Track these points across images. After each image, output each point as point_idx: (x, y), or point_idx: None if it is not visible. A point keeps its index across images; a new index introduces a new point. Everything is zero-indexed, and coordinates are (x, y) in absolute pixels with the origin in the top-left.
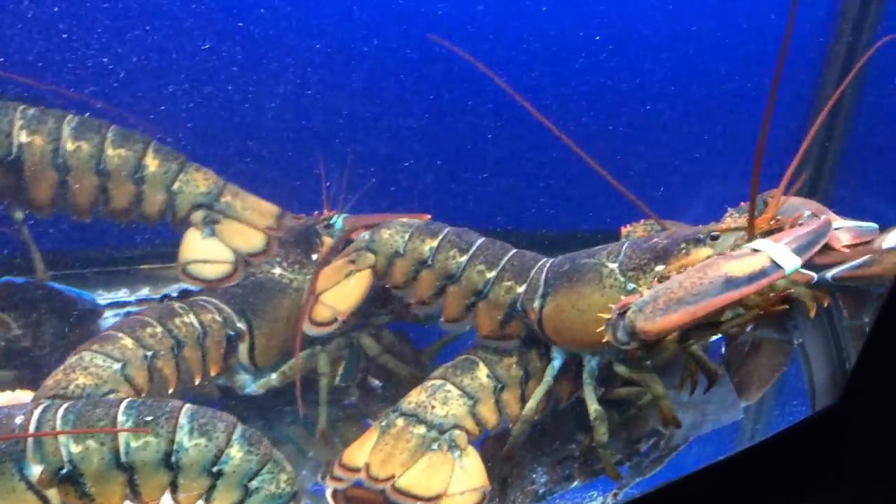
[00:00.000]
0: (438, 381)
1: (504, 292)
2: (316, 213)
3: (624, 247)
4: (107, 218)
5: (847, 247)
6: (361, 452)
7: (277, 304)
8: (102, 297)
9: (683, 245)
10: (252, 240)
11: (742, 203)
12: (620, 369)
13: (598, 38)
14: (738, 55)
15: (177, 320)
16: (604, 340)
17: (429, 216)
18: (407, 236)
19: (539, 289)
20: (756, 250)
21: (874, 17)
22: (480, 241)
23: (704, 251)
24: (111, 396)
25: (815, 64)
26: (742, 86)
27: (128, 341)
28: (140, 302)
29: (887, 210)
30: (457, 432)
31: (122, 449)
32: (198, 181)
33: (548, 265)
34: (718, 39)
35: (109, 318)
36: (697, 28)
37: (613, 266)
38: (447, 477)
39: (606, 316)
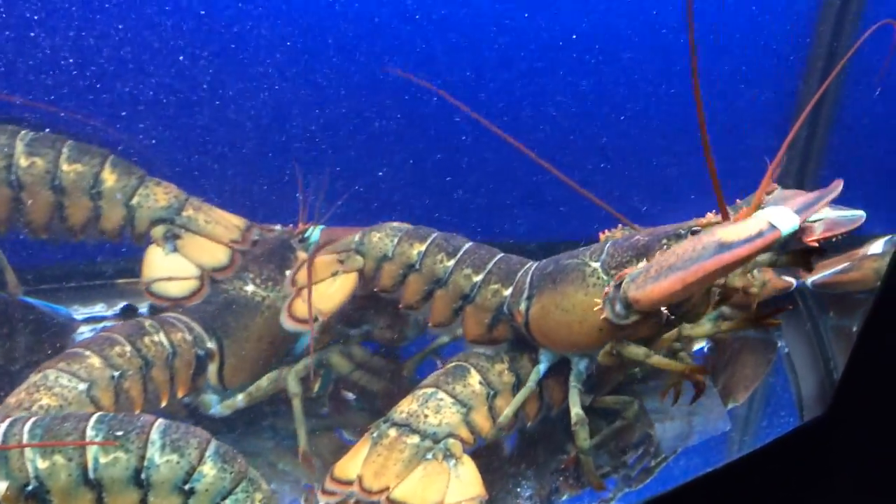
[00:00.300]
0: (430, 390)
1: (491, 295)
2: (290, 225)
3: (606, 246)
4: (63, 235)
5: (816, 240)
6: (353, 464)
7: (249, 323)
8: (79, 312)
9: (665, 241)
10: (216, 254)
11: (738, 200)
12: (574, 382)
13: (575, 37)
14: (719, 49)
15: (146, 339)
16: (602, 317)
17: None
18: (396, 240)
19: (524, 291)
20: (754, 218)
21: (857, 6)
22: (468, 245)
23: None
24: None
25: (799, 56)
26: (724, 82)
27: (95, 360)
28: (116, 317)
29: (871, 206)
30: (451, 441)
31: (90, 465)
32: (157, 195)
33: (533, 268)
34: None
35: (85, 332)
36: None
37: (596, 265)
38: (443, 487)
39: (598, 301)
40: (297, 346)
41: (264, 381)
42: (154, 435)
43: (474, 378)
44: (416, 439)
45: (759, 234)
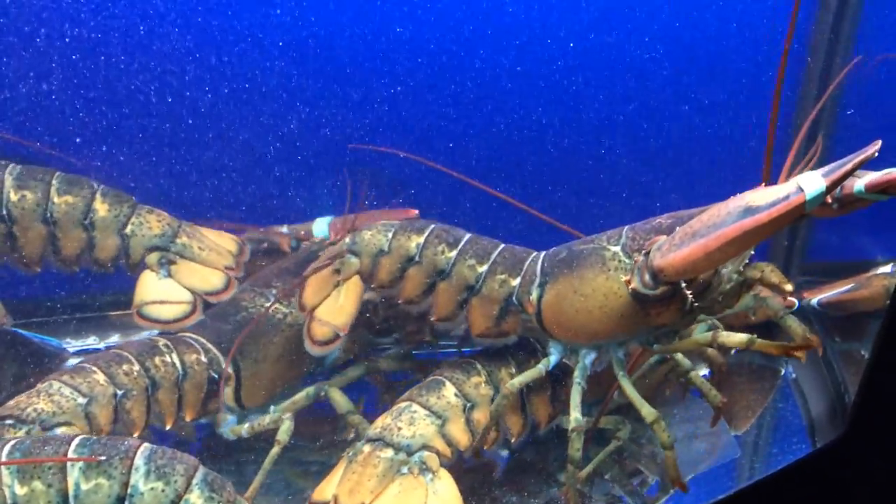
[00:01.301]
0: (404, 403)
1: (498, 286)
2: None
3: (624, 231)
4: (58, 267)
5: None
6: (330, 486)
7: (268, 342)
8: (71, 345)
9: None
10: (210, 279)
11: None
12: (619, 371)
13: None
14: (727, 53)
15: (157, 359)
16: (630, 287)
17: (416, 211)
18: (391, 234)
19: (536, 279)
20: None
21: (854, 11)
22: (468, 235)
23: None
24: (60, 430)
25: (798, 61)
26: (732, 85)
27: (100, 376)
28: (109, 349)
29: (870, 218)
30: (426, 454)
31: (71, 492)
32: (151, 223)
33: (542, 255)
34: (710, 38)
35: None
36: (691, 27)
37: (616, 248)
38: (420, 502)
39: (620, 284)
40: (328, 358)
41: (302, 397)
42: (139, 460)
43: (449, 390)
44: (389, 453)
45: (786, 198)
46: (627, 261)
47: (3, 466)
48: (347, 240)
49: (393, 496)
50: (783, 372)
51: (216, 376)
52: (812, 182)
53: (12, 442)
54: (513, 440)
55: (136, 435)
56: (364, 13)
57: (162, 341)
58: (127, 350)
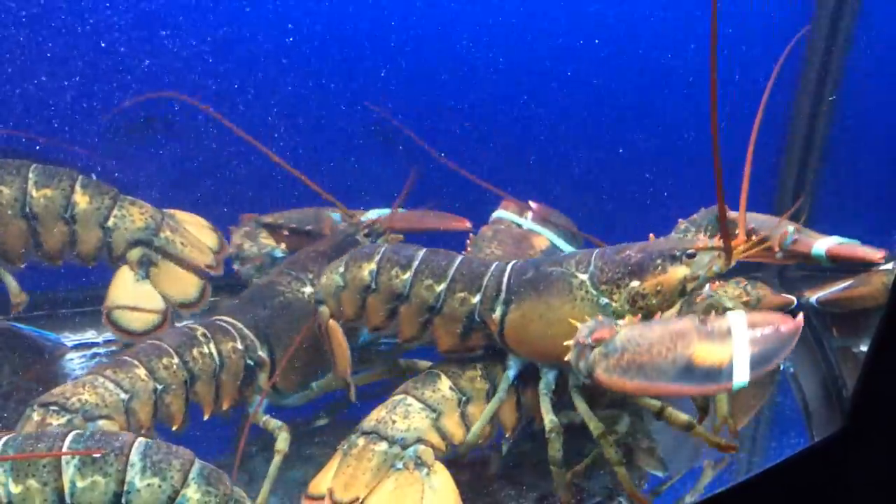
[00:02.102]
0: (399, 396)
1: (458, 304)
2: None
3: (593, 257)
4: (41, 261)
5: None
6: (325, 479)
7: (303, 328)
8: (69, 339)
9: (659, 262)
10: (187, 288)
11: (695, 215)
12: (577, 400)
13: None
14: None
15: (195, 351)
16: (565, 359)
17: (468, 223)
18: (342, 268)
19: (500, 295)
20: (728, 334)
21: (850, 15)
22: (422, 253)
23: (681, 269)
24: (100, 423)
25: (793, 66)
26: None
27: (141, 371)
28: (108, 343)
29: (870, 217)
30: (421, 447)
31: (66, 489)
32: (134, 216)
33: (507, 270)
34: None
35: (75, 359)
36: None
37: (584, 277)
38: (417, 498)
39: (576, 324)
40: (359, 339)
41: (330, 380)
42: (134, 456)
43: (444, 384)
44: (383, 446)
45: (716, 379)
46: (594, 292)
47: None
48: (308, 293)
49: (389, 492)
50: (781, 367)
51: (252, 363)
52: (741, 371)
53: (5, 438)
54: (507, 434)
55: (175, 427)
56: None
57: (200, 330)
58: (167, 341)
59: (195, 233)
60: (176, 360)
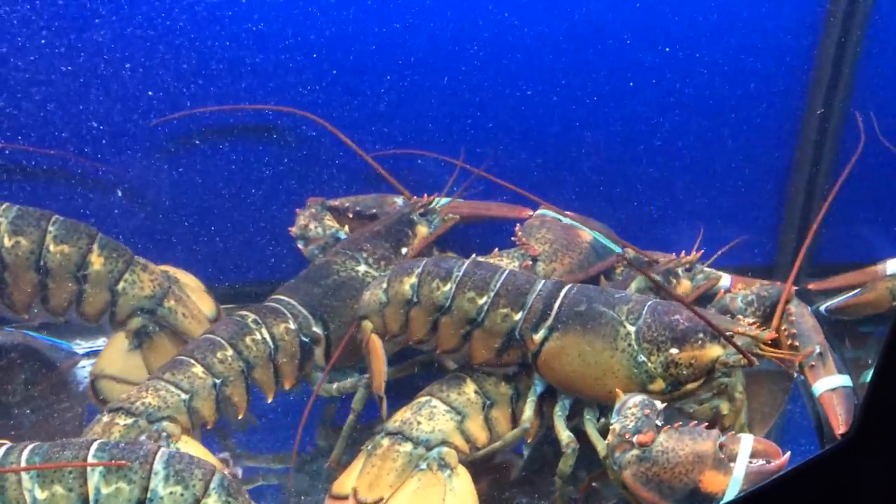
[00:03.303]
0: (424, 398)
1: (500, 320)
2: (414, 197)
3: (645, 310)
4: (44, 315)
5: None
6: (349, 479)
7: (356, 304)
8: (80, 347)
9: (701, 336)
10: None
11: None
12: (589, 426)
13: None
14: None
15: (248, 339)
16: (611, 431)
17: (529, 211)
18: (385, 284)
19: (547, 320)
20: (732, 462)
21: (862, 18)
22: (464, 265)
23: (716, 349)
24: (164, 424)
25: (804, 70)
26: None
27: (198, 369)
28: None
29: (879, 236)
30: (445, 449)
31: (91, 496)
32: (143, 282)
33: (561, 295)
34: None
35: (86, 366)
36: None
37: (631, 329)
38: (439, 499)
39: (620, 394)
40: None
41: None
42: (158, 465)
43: (469, 387)
44: (408, 447)
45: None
46: (636, 347)
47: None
48: (355, 309)
49: (411, 492)
50: (795, 376)
51: (307, 340)
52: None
53: (31, 446)
54: (529, 440)
55: (239, 417)
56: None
57: (251, 317)
58: (219, 334)
59: (196, 299)
60: (230, 351)
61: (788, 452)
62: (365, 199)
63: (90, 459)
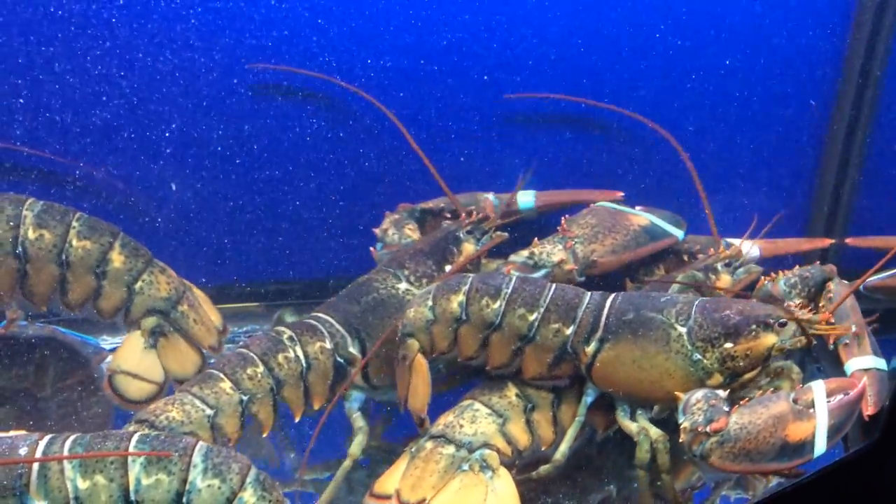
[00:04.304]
0: (467, 402)
1: (552, 335)
2: (464, 215)
3: (693, 309)
4: (61, 309)
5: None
6: (392, 480)
7: (394, 323)
8: (107, 343)
9: (754, 327)
10: (187, 365)
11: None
12: (624, 421)
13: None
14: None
15: (280, 357)
16: (682, 430)
17: (621, 193)
18: (430, 301)
19: (597, 332)
20: (812, 408)
21: (892, 16)
22: (512, 281)
23: (771, 338)
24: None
25: (833, 63)
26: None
27: (226, 384)
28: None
29: None
30: (487, 451)
31: (132, 486)
32: (160, 284)
33: (607, 305)
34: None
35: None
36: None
37: (682, 330)
38: (480, 500)
39: (681, 396)
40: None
41: None
42: (196, 458)
43: (511, 390)
44: (451, 449)
45: (802, 452)
46: (689, 347)
47: (66, 461)
48: (399, 327)
49: (453, 492)
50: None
51: (342, 361)
52: (821, 442)
53: (73, 437)
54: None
55: (265, 434)
56: None
57: (287, 333)
58: (253, 349)
59: (207, 308)
60: (261, 368)
61: (864, 378)
62: (458, 198)
63: (132, 450)
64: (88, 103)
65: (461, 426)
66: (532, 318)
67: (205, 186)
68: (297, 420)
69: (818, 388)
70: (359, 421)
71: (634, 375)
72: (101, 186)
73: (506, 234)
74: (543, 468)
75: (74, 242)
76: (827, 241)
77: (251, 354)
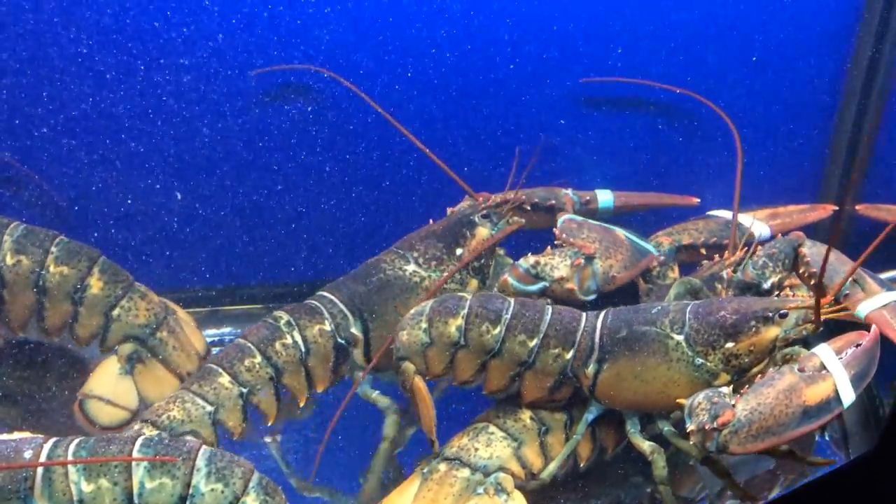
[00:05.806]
0: (481, 424)
1: (552, 360)
2: (481, 197)
3: (687, 316)
4: (38, 335)
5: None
6: (402, 501)
7: (401, 305)
8: None
9: (753, 323)
10: (165, 392)
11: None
12: (635, 438)
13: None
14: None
15: (277, 344)
16: (690, 433)
17: (697, 200)
18: (425, 324)
19: (593, 353)
20: (824, 369)
21: None
22: (511, 306)
23: (773, 330)
24: (188, 438)
25: (842, 54)
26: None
27: (224, 379)
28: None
29: None
30: (502, 475)
31: (135, 490)
32: (139, 310)
33: (598, 326)
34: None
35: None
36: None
37: (680, 338)
38: None
39: (683, 402)
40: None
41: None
42: (200, 462)
43: (525, 413)
44: (466, 473)
45: (829, 409)
46: (690, 353)
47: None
48: (394, 350)
49: None
50: None
51: (343, 342)
52: (847, 393)
53: (78, 440)
54: (582, 464)
55: (270, 423)
56: None
57: (284, 319)
58: (249, 339)
59: (189, 334)
60: (259, 358)
61: (875, 326)
62: (537, 191)
63: (135, 455)
64: (88, 103)
65: (476, 449)
66: (532, 344)
67: (205, 187)
68: (301, 405)
69: (822, 350)
70: (382, 400)
71: (639, 389)
72: (99, 189)
73: (523, 220)
74: (531, 484)
75: (52, 268)
76: (831, 208)
77: (248, 345)
